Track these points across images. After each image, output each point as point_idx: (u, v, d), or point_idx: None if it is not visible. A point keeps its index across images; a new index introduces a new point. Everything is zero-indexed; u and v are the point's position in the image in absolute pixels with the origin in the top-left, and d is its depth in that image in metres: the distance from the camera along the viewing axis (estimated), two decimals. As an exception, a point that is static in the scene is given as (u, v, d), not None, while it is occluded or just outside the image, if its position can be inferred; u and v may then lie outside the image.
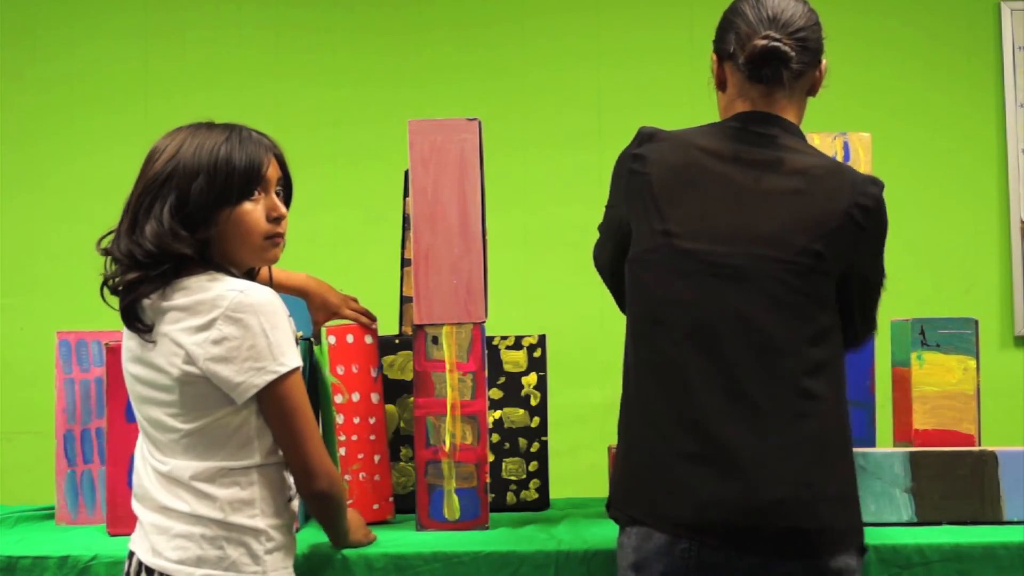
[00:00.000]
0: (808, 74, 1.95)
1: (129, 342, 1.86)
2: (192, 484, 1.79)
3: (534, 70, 3.87)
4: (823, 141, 2.52)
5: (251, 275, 1.95)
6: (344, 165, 3.83)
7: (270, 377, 1.78)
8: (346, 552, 2.07)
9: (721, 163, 1.89)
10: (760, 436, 1.79)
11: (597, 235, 2.07)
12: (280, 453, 1.85)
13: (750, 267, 1.84)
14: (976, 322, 2.40)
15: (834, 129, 2.58)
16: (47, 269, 3.81)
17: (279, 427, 1.82)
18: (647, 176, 1.91)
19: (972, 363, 2.39)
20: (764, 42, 1.88)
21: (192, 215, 1.82)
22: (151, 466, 1.84)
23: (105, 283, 1.86)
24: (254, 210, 1.86)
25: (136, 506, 1.86)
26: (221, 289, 1.79)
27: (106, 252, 1.86)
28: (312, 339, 2.44)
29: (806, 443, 1.81)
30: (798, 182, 1.87)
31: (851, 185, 1.89)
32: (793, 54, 1.89)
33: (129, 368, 1.87)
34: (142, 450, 1.87)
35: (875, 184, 1.92)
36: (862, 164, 2.52)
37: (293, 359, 1.81)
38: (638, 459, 1.87)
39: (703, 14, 3.92)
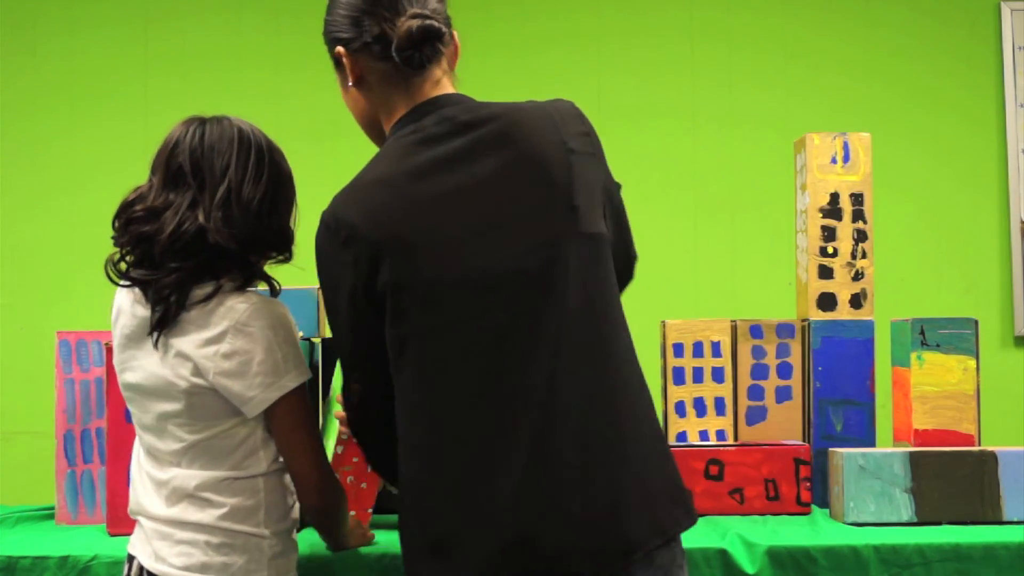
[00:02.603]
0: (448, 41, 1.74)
1: (123, 353, 1.82)
2: (197, 493, 1.77)
3: (535, 67, 3.87)
4: (823, 141, 2.52)
5: (248, 281, 1.86)
6: (345, 153, 3.82)
7: (281, 392, 1.76)
8: (346, 552, 2.06)
9: (438, 182, 1.63)
10: None
11: None
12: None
13: (543, 266, 1.61)
14: (976, 322, 2.40)
15: (834, 129, 2.58)
16: (47, 269, 3.81)
17: (284, 439, 1.79)
18: (378, 246, 1.61)
19: (972, 363, 2.39)
20: (417, 22, 1.65)
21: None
22: (147, 474, 1.81)
23: (190, 257, 1.75)
24: None
25: (134, 514, 1.84)
26: (230, 301, 1.76)
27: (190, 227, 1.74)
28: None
29: None
30: (512, 153, 1.64)
31: (546, 124, 1.67)
32: (445, 29, 1.69)
33: (126, 378, 1.82)
34: (139, 459, 1.84)
35: (558, 105, 1.70)
36: (862, 164, 2.52)
37: (303, 373, 1.79)
38: None
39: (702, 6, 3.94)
